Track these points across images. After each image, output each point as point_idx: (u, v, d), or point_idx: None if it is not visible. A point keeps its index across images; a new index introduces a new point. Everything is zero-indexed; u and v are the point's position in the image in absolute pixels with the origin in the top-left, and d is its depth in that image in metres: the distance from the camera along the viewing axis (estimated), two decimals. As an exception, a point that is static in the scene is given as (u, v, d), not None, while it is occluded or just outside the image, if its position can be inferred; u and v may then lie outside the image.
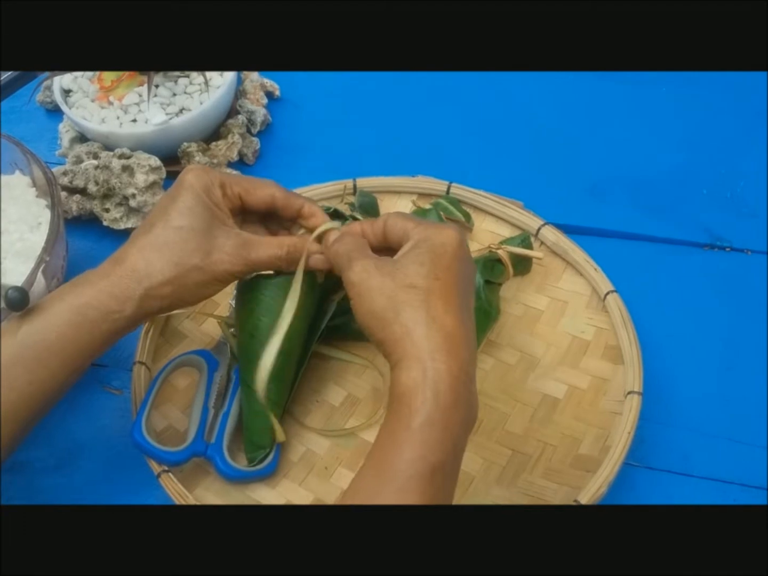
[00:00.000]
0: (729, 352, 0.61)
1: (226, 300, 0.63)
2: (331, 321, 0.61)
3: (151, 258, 0.46)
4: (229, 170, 0.73)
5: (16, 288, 0.44)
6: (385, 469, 0.39)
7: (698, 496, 0.54)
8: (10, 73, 0.66)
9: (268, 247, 0.49)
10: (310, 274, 0.52)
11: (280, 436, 0.53)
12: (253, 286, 0.53)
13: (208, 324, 0.63)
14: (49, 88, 0.81)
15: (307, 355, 0.57)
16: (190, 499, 0.49)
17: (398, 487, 0.38)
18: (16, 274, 0.57)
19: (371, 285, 0.43)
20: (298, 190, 0.68)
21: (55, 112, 0.82)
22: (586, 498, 0.49)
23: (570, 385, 0.58)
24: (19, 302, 0.44)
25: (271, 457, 0.54)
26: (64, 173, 0.70)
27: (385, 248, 0.47)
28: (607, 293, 0.61)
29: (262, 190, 0.51)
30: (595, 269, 0.62)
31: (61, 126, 0.78)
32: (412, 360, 0.40)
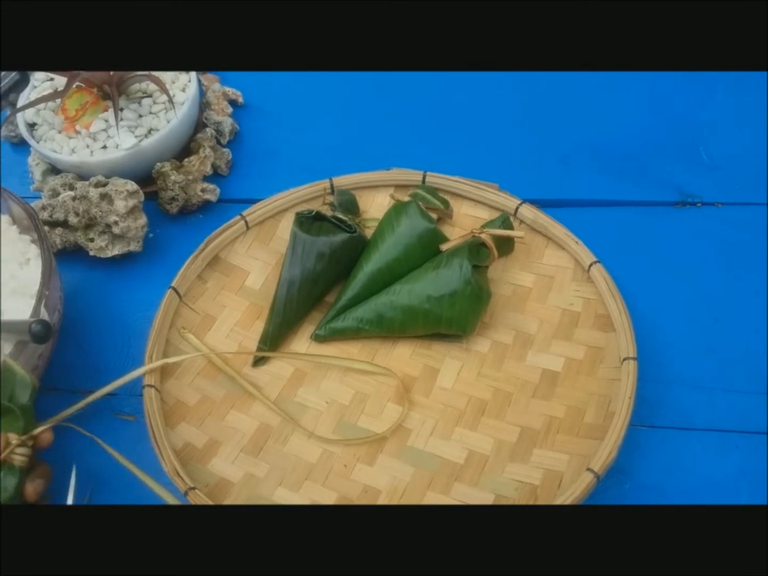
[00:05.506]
0: (714, 304, 0.64)
1: (222, 313, 0.65)
2: (333, 322, 0.63)
3: None
4: (205, 185, 0.74)
5: (39, 321, 0.45)
6: None
7: (701, 448, 0.57)
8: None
9: None
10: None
11: None
12: None
13: (208, 338, 0.64)
14: (12, 122, 0.80)
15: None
16: (221, 515, 0.51)
17: None
18: (15, 313, 0.58)
19: None
20: (276, 196, 0.70)
21: (21, 146, 0.82)
22: (598, 465, 0.51)
23: (567, 357, 0.61)
24: (44, 335, 0.44)
25: None
26: (43, 207, 0.70)
27: None
28: (591, 264, 0.63)
29: None
30: (576, 242, 0.64)
31: (30, 159, 0.77)
32: None
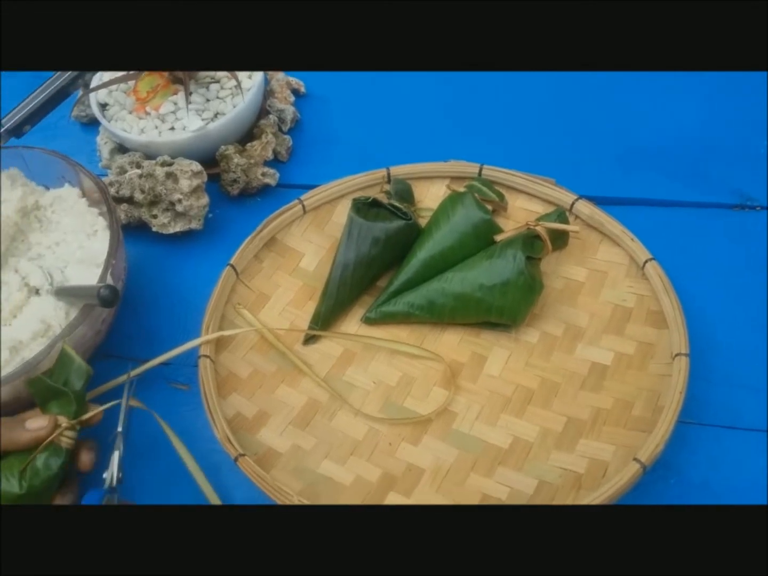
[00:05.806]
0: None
1: (276, 292, 0.66)
2: (384, 306, 0.64)
3: None
4: (266, 169, 0.76)
5: (107, 286, 0.47)
6: None
7: (749, 447, 0.56)
8: (50, 90, 0.68)
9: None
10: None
11: None
12: None
13: (262, 315, 0.65)
14: (83, 102, 0.83)
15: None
16: (268, 479, 0.52)
17: None
18: (81, 280, 0.60)
19: None
20: (333, 183, 0.71)
21: (90, 126, 0.85)
22: (645, 455, 0.51)
23: (617, 352, 0.60)
24: (111, 299, 0.46)
25: None
26: (110, 184, 0.72)
27: None
28: (646, 261, 0.62)
29: None
30: (632, 239, 0.64)
31: (98, 138, 0.80)
32: None
